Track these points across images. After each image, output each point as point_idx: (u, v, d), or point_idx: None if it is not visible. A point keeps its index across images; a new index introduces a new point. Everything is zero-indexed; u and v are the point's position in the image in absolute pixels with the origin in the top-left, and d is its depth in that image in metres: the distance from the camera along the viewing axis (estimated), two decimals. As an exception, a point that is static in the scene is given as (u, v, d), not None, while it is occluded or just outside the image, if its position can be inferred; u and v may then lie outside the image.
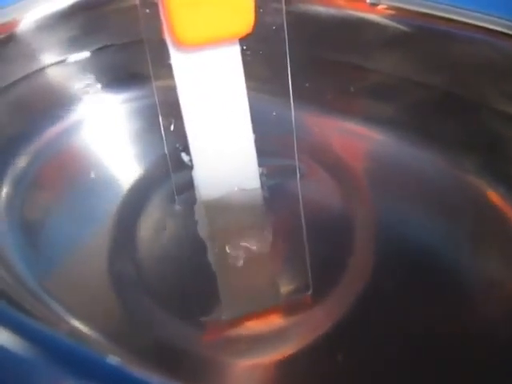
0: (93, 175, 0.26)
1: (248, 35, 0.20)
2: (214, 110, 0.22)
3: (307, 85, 0.28)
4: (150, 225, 0.25)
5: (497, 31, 0.24)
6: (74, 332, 0.19)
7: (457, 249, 0.23)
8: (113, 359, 0.14)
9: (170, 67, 0.21)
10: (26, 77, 0.27)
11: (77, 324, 0.20)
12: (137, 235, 0.24)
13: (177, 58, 0.21)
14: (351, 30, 0.27)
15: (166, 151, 0.23)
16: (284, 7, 0.22)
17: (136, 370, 0.14)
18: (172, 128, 0.23)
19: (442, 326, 0.21)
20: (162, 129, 0.23)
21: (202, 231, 0.23)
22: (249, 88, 0.22)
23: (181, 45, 0.20)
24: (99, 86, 0.29)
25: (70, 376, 0.14)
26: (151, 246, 0.24)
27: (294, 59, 0.22)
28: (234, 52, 0.21)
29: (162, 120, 0.23)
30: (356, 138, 0.28)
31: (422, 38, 0.26)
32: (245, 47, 0.22)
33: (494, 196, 0.24)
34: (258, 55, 0.22)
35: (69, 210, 0.25)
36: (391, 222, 0.25)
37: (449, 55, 0.26)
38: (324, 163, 0.27)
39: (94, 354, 0.14)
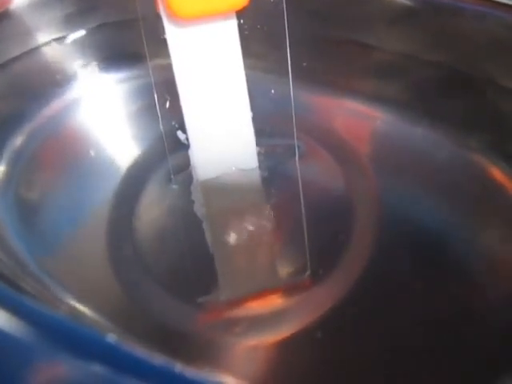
0: (90, 154, 0.26)
1: (245, 8, 0.20)
2: (210, 86, 0.22)
3: (304, 64, 0.27)
4: (147, 205, 0.24)
5: (506, 5, 0.24)
6: (73, 312, 0.19)
7: (460, 228, 0.23)
8: (112, 337, 0.14)
9: (165, 44, 0.21)
10: (21, 55, 0.27)
11: (75, 304, 0.20)
12: (134, 215, 0.24)
13: (172, 33, 0.20)
14: (353, 5, 0.26)
15: (162, 129, 0.23)
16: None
17: (135, 348, 0.14)
18: (167, 105, 0.23)
19: (443, 308, 0.20)
20: (158, 106, 0.23)
21: (199, 211, 0.23)
22: (246, 65, 0.22)
23: (176, 17, 0.20)
24: (96, 64, 0.28)
25: (70, 355, 0.13)
26: (149, 225, 0.24)
27: (293, 35, 0.22)
28: (231, 26, 0.21)
29: (158, 97, 0.22)
30: (357, 117, 0.27)
31: (428, 13, 0.25)
32: (242, 21, 0.21)
33: (499, 174, 0.24)
34: (255, 30, 0.22)
35: (66, 189, 0.25)
36: (393, 203, 0.24)
37: (455, 31, 0.25)
38: (324, 143, 0.26)
39: (93, 333, 0.14)
